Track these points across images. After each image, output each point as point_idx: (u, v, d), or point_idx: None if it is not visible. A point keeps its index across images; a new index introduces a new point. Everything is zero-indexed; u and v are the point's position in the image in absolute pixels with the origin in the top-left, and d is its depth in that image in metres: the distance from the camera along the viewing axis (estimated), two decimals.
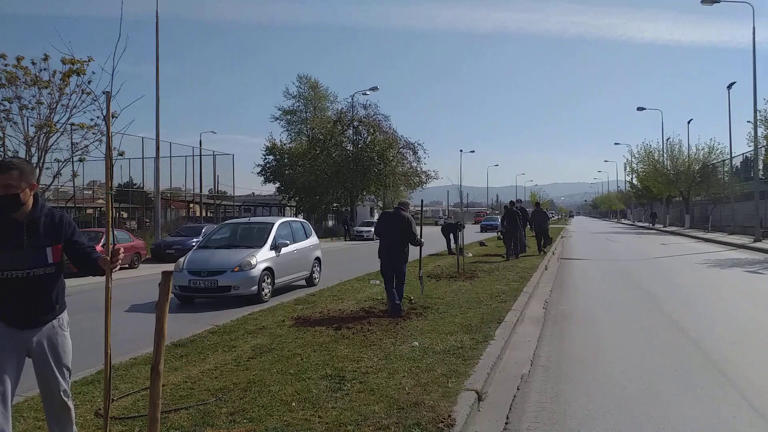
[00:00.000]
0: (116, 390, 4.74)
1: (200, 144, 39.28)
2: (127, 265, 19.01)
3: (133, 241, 20.03)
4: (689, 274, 14.50)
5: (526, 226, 19.89)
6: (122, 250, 3.16)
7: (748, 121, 24.75)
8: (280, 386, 4.64)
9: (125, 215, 41.46)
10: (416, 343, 5.99)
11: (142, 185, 35.91)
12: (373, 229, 8.82)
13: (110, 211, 3.27)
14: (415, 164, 45.58)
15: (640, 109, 49.64)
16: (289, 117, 55.01)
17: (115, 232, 20.53)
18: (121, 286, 14.60)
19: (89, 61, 14.44)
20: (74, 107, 14.80)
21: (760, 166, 29.17)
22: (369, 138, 42.93)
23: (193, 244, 22.21)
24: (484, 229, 46.56)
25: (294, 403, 4.23)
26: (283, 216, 50.50)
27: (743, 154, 38.80)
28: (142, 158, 32.50)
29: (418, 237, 8.48)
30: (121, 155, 26.58)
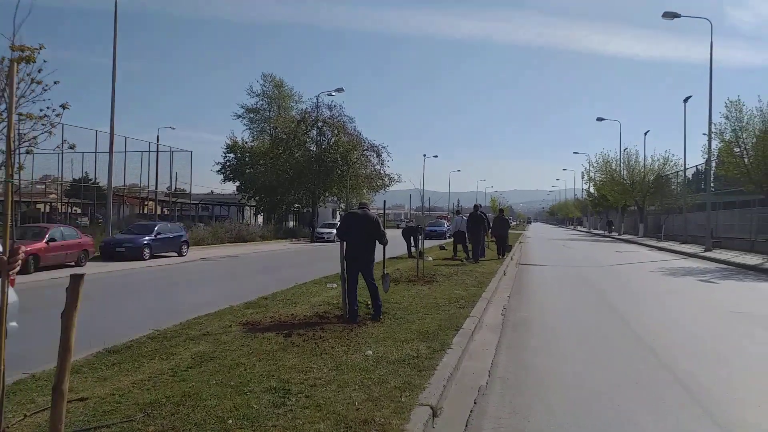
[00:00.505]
0: (33, 404, 4.25)
1: (157, 139, 38.04)
2: (73, 263, 18.10)
3: (80, 238, 19.03)
4: (645, 281, 14.65)
5: (488, 230, 19.97)
6: (22, 249, 2.73)
7: (704, 134, 25.46)
8: (218, 400, 4.23)
9: (78, 211, 39.81)
10: (370, 352, 5.66)
11: (93, 180, 34.50)
12: (335, 231, 8.12)
13: (10, 203, 2.82)
14: (379, 167, 45.29)
15: (599, 119, 50.73)
16: (252, 115, 53.99)
17: (62, 228, 19.67)
18: (63, 285, 13.82)
19: (40, 48, 13.73)
20: (22, 96, 14.01)
21: (712, 179, 30.07)
22: (333, 139, 42.42)
23: (145, 242, 21.41)
24: (428, 236, 36.24)
25: (231, 421, 3.83)
26: (242, 215, 49.41)
27: (696, 166, 40.12)
28: (95, 152, 31.19)
29: (385, 236, 8.22)
30: (71, 148, 25.46)
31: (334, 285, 10.82)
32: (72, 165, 32.03)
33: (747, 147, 20.97)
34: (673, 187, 40.26)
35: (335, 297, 9.32)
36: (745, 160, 21.09)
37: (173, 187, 39.37)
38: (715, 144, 24.43)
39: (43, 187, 38.18)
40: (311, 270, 15.23)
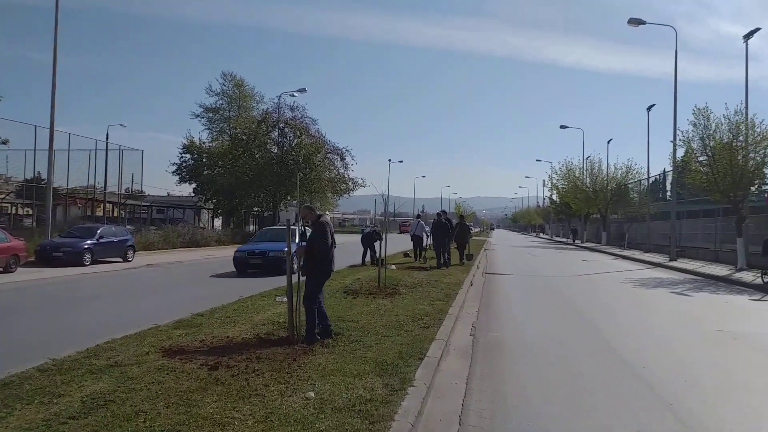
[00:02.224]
0: None
1: (107, 137, 36.03)
2: (1, 269, 16.36)
3: (10, 242, 17.25)
4: (619, 294, 13.93)
5: (453, 237, 19.65)
6: None
7: (671, 141, 25.20)
8: None
9: (30, 212, 37.30)
10: (312, 394, 4.53)
11: (38, 179, 32.24)
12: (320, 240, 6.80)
13: None
14: (343, 171, 44.00)
15: (563, 127, 50.83)
16: (210, 115, 51.88)
17: None
18: None
19: None
20: None
21: (669, 188, 29.98)
22: (295, 141, 40.99)
23: (86, 246, 19.66)
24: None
25: None
26: (199, 218, 47.36)
27: (656, 176, 40.34)
28: (34, 150, 29.04)
29: None
30: (4, 143, 23.49)
31: (284, 299, 9.64)
32: (7, 162, 29.81)
33: (714, 155, 20.65)
34: (632, 195, 40.24)
35: (282, 314, 8.15)
36: (711, 169, 20.77)
37: (130, 188, 37.28)
38: (680, 152, 24.19)
39: None
40: (265, 280, 14.00)
